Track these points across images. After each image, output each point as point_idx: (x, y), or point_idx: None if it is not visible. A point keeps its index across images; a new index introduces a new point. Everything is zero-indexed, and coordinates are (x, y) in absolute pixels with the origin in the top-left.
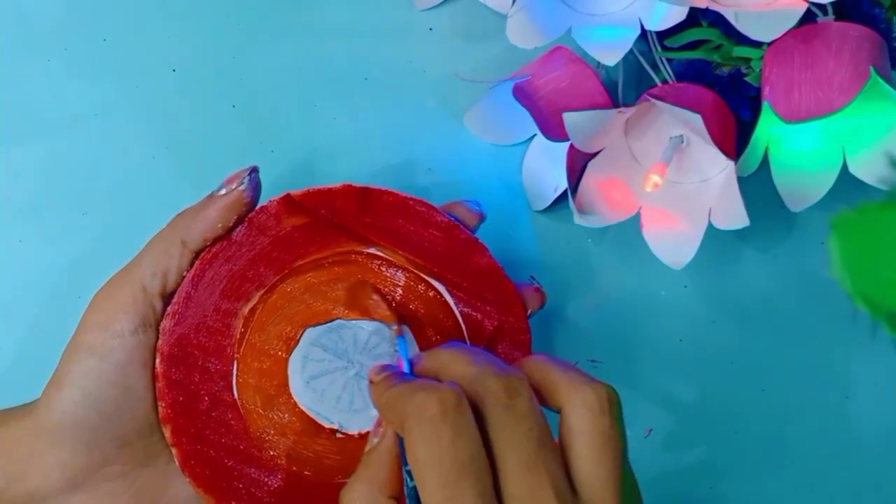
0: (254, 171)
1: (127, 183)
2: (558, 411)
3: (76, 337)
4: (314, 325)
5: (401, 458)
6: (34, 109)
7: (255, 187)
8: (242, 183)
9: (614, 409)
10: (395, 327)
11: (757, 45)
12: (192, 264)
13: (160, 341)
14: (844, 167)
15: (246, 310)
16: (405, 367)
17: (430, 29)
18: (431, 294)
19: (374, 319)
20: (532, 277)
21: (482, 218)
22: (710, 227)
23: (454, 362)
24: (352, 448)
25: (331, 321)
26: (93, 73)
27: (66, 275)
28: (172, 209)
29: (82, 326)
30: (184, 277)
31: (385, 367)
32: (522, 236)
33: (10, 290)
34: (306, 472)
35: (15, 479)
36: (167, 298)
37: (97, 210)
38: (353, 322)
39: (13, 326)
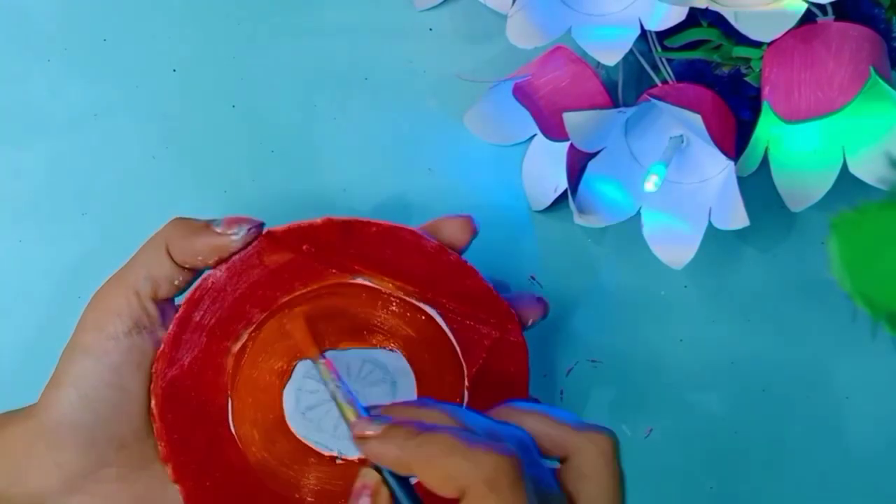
0: (256, 226)
1: (127, 183)
2: (560, 460)
3: (73, 337)
4: (306, 358)
5: None
6: (34, 109)
7: (248, 242)
8: (238, 234)
9: (618, 452)
10: (322, 361)
11: (757, 45)
12: (180, 276)
13: (153, 384)
14: (844, 167)
15: (236, 348)
16: (359, 409)
17: (430, 29)
18: (423, 318)
19: (366, 347)
20: (532, 278)
21: (475, 232)
22: (710, 227)
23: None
24: (353, 473)
25: (322, 353)
26: (93, 73)
27: (66, 275)
28: (172, 209)
29: (80, 327)
30: (173, 300)
31: (376, 418)
32: (522, 236)
33: (11, 290)
34: (309, 499)
35: (15, 481)
36: (160, 303)
37: (97, 210)
38: (345, 352)
39: (13, 326)
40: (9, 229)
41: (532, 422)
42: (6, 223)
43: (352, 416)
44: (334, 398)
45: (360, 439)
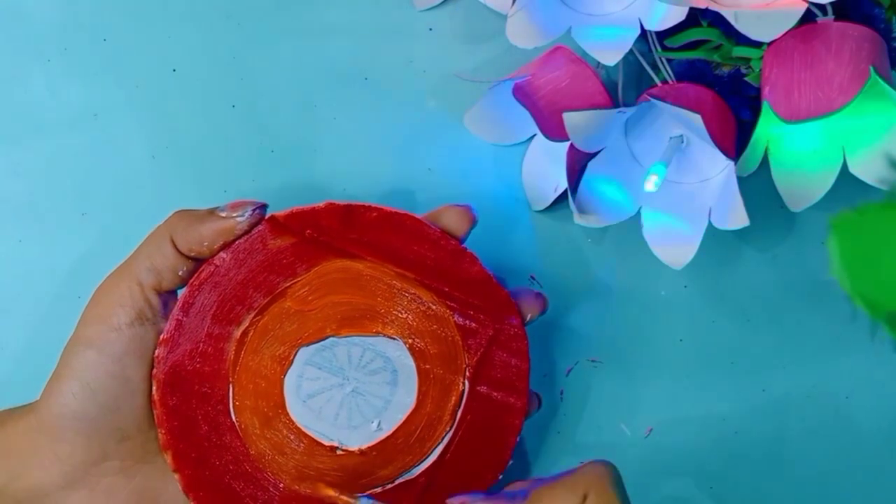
0: (260, 208)
1: (127, 183)
2: None
3: (76, 330)
4: (307, 345)
5: None
6: (34, 109)
7: (253, 224)
8: (243, 215)
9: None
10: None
11: (757, 45)
12: (184, 266)
13: (155, 369)
14: (844, 167)
15: (238, 333)
16: None
17: (430, 29)
18: (424, 306)
19: (367, 335)
20: (532, 277)
21: (474, 222)
22: (710, 227)
23: None
24: (352, 464)
25: (323, 339)
26: (93, 73)
27: (66, 275)
28: (172, 209)
29: (82, 320)
30: (175, 292)
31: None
32: (522, 236)
33: (10, 290)
34: (308, 490)
35: (16, 476)
36: (163, 294)
37: (97, 210)
38: (346, 339)
39: (13, 326)
40: (9, 229)
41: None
42: (6, 223)
43: None
44: None
45: None
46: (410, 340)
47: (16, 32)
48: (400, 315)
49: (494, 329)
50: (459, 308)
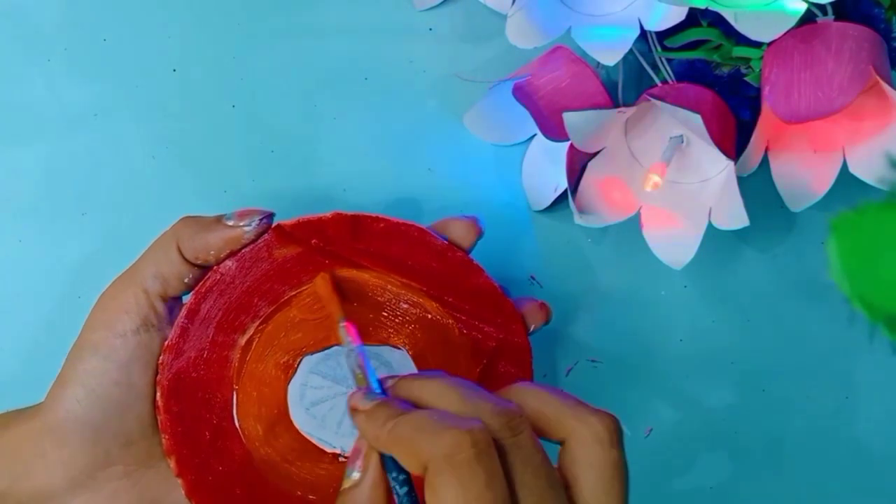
0: (267, 217)
1: (127, 183)
2: (559, 442)
3: (81, 336)
4: (311, 353)
5: (390, 492)
6: (34, 109)
7: (261, 233)
8: (250, 225)
9: (621, 438)
10: (343, 323)
11: (757, 45)
12: (190, 273)
13: (160, 375)
14: (844, 167)
15: (243, 341)
16: (374, 387)
17: (430, 29)
18: (429, 316)
19: (371, 344)
20: (532, 278)
21: (480, 233)
22: (710, 227)
23: (443, 395)
24: None
25: (328, 348)
26: (93, 73)
27: (66, 275)
28: (172, 209)
29: (87, 325)
30: (180, 299)
31: (370, 394)
32: (522, 236)
33: (11, 291)
34: (311, 497)
35: (19, 479)
36: (169, 300)
37: (97, 210)
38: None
39: (13, 327)
40: (9, 229)
41: (530, 400)
42: (6, 223)
43: (361, 384)
44: (348, 363)
45: (352, 411)
46: (414, 350)
47: (16, 32)
48: (405, 325)
49: (499, 341)
50: (465, 319)
